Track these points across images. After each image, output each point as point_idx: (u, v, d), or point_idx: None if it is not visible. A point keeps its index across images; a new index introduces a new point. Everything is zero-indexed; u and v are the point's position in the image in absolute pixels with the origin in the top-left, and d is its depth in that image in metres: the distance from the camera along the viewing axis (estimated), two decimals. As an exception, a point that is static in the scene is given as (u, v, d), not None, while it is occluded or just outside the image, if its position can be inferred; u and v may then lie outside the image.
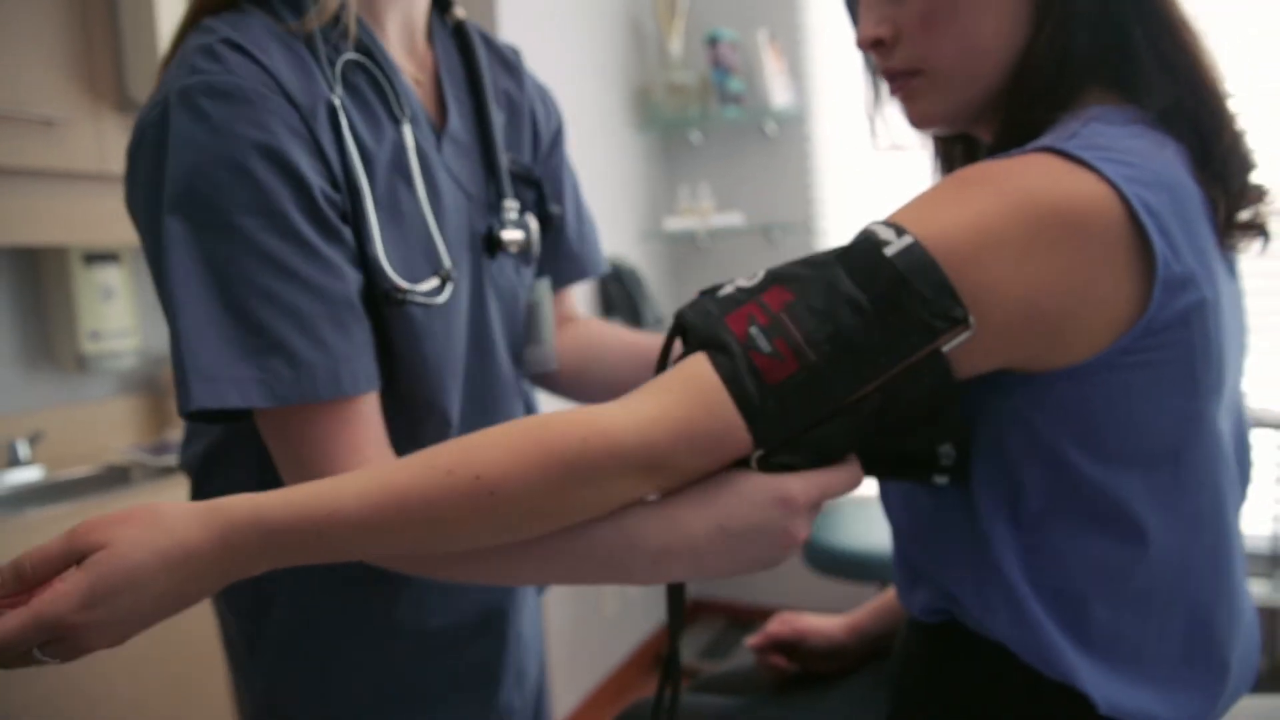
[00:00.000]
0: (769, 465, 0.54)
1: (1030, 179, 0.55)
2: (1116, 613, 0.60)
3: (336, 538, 0.52)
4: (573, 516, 0.55)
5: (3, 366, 1.72)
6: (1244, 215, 0.62)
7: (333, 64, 0.70)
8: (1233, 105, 0.64)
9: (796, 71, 2.73)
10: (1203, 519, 0.61)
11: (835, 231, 2.77)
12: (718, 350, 0.53)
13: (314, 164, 0.65)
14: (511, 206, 0.82)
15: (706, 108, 2.76)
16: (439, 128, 0.79)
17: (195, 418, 0.63)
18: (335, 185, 0.67)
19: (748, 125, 2.81)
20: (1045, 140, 0.58)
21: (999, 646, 0.63)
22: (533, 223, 0.84)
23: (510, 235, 0.81)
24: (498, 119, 0.84)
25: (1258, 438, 2.23)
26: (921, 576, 0.70)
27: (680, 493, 0.55)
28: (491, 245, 0.81)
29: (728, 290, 0.56)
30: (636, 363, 0.89)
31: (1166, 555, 0.60)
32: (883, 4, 0.66)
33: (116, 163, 1.59)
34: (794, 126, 2.77)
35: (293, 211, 0.63)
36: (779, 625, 0.91)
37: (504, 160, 0.83)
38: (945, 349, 0.52)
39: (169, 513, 0.51)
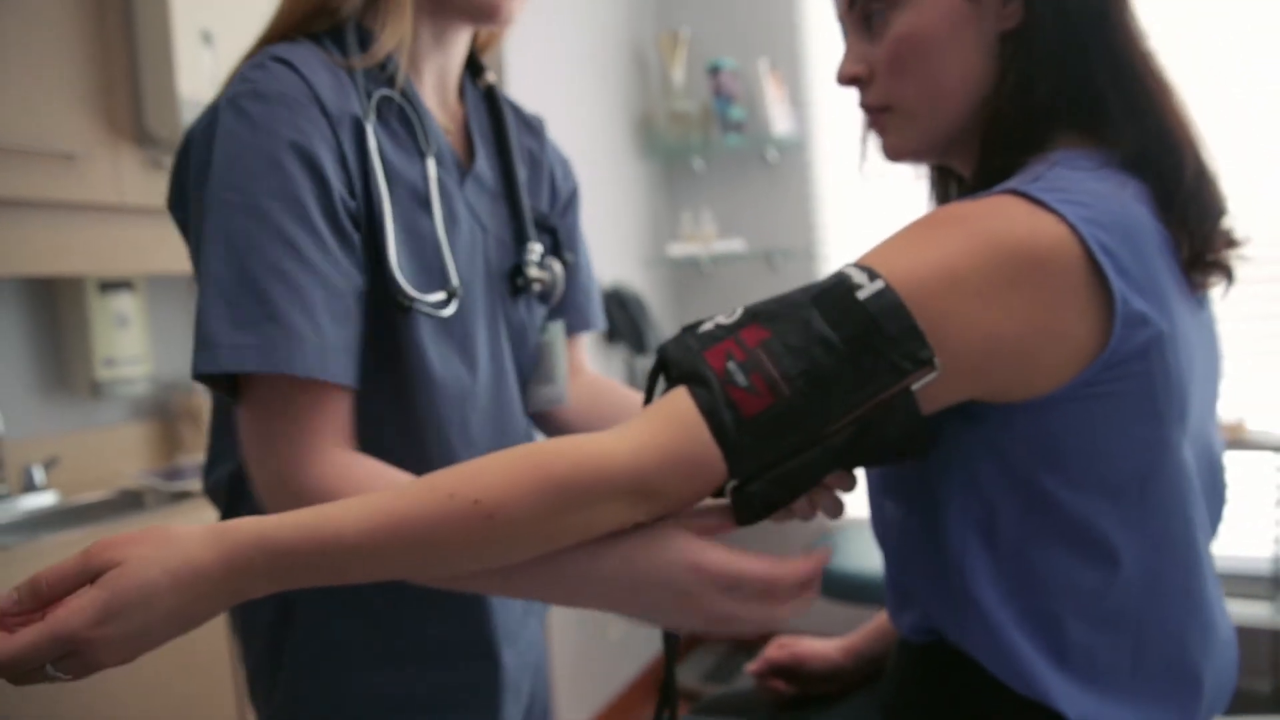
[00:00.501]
0: (742, 494, 0.57)
1: (994, 221, 0.58)
2: (1090, 632, 0.63)
3: (340, 560, 0.54)
4: (566, 540, 0.57)
5: (19, 393, 1.76)
6: (1214, 256, 0.65)
7: (369, 95, 0.77)
8: (1200, 150, 0.67)
9: (797, 99, 2.77)
10: (1171, 542, 0.63)
11: (836, 257, 2.80)
12: (698, 384, 0.56)
13: (337, 170, 0.72)
14: (535, 249, 0.89)
15: (708, 135, 2.80)
16: (465, 168, 0.86)
17: (206, 382, 0.67)
18: (353, 194, 0.73)
19: (749, 152, 2.85)
20: (1011, 183, 0.61)
21: (983, 666, 0.65)
22: (556, 265, 0.91)
23: (535, 274, 0.88)
24: (521, 171, 0.91)
25: (1257, 460, 2.25)
26: (908, 598, 0.72)
27: (618, 532, 0.58)
28: (516, 284, 0.87)
29: (708, 327, 0.58)
30: None
31: (1137, 577, 0.62)
32: (860, 44, 0.71)
33: (133, 194, 1.63)
34: (795, 154, 2.82)
35: (312, 205, 0.69)
36: (777, 650, 0.93)
37: (527, 206, 0.90)
38: (914, 387, 0.55)
39: (179, 534, 0.53)
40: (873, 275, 0.56)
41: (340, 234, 0.71)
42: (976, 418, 0.62)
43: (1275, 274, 2.31)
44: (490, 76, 0.93)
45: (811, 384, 0.55)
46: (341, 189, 0.72)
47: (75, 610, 0.49)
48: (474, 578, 0.60)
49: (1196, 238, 0.63)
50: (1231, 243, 0.68)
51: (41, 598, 0.50)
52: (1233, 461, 2.43)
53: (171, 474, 1.82)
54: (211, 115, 0.73)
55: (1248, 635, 2.33)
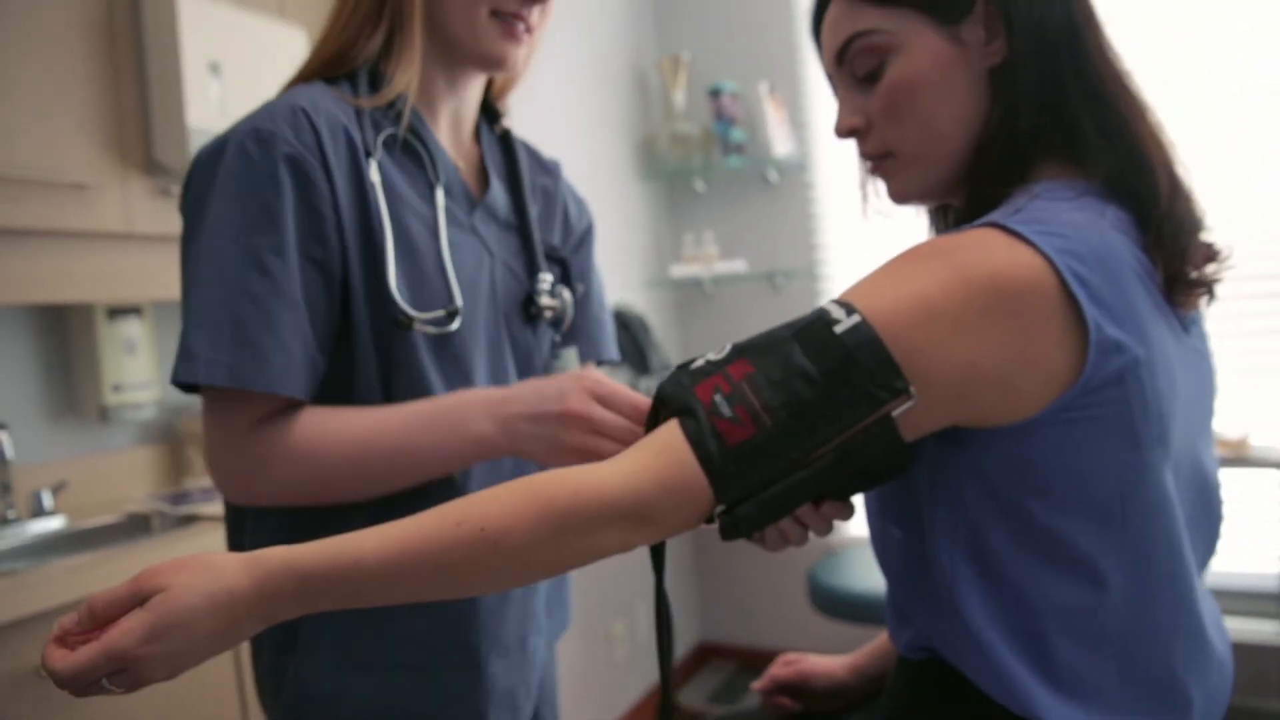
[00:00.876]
0: (730, 517, 0.59)
1: (972, 254, 0.60)
2: (1078, 650, 0.64)
3: (359, 583, 0.57)
4: (568, 565, 0.60)
5: (29, 418, 1.78)
6: (1195, 274, 0.67)
7: (378, 131, 0.84)
8: (1176, 171, 0.69)
9: (797, 122, 2.80)
10: (1155, 561, 0.64)
11: (838, 277, 2.82)
12: (687, 416, 0.59)
13: (328, 205, 0.79)
14: (546, 278, 0.94)
15: (710, 157, 2.83)
16: (476, 199, 0.92)
17: (184, 389, 0.78)
18: (342, 225, 0.80)
19: (750, 174, 2.88)
20: (993, 216, 0.64)
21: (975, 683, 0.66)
22: (566, 293, 0.96)
23: (546, 302, 0.93)
24: (533, 206, 0.97)
25: (1261, 477, 2.24)
26: (905, 617, 0.74)
27: None
28: (530, 311, 0.93)
29: (699, 364, 0.62)
30: None
31: (1122, 596, 0.63)
32: (855, 96, 0.74)
33: (143, 223, 1.66)
34: (795, 175, 2.84)
35: (292, 239, 0.77)
36: (783, 667, 0.94)
37: (539, 238, 0.96)
38: (894, 414, 0.58)
39: (218, 562, 0.57)
40: (850, 310, 0.59)
41: (322, 267, 0.79)
42: (961, 442, 0.63)
43: (1275, 290, 2.32)
44: (506, 123, 1.00)
45: (792, 414, 0.57)
46: (331, 222, 0.79)
47: (125, 630, 0.54)
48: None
49: (1174, 256, 0.65)
50: (1211, 257, 0.70)
51: (97, 619, 0.55)
52: (1237, 478, 2.44)
53: (178, 498, 1.83)
54: (217, 145, 0.80)
55: (1256, 653, 2.32)
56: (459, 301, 0.84)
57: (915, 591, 0.71)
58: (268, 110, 0.80)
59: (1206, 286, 0.69)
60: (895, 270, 0.62)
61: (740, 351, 0.60)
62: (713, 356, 0.61)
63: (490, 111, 1.00)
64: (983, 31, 0.69)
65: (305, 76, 0.87)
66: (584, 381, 0.71)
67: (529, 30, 0.87)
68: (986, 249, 0.60)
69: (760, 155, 2.77)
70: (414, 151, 0.87)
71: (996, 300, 0.58)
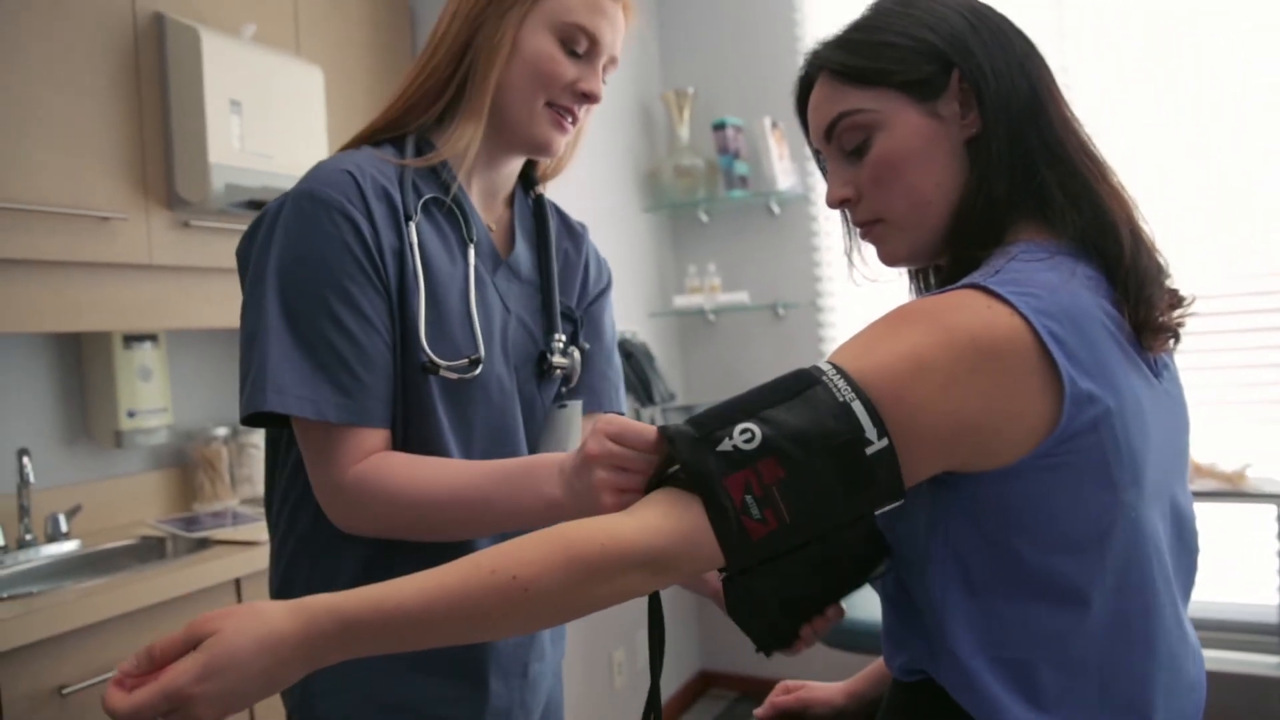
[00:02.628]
0: (733, 580, 0.66)
1: (956, 315, 0.65)
2: (1060, 676, 0.68)
3: (400, 628, 0.61)
4: (594, 608, 0.64)
5: (46, 443, 1.82)
6: (1161, 319, 0.71)
7: (419, 193, 0.93)
8: (1137, 224, 0.74)
9: (799, 155, 2.85)
10: (1130, 593, 0.68)
11: (840, 308, 2.86)
12: (715, 507, 0.63)
13: (374, 255, 0.88)
14: (560, 339, 1.01)
15: (713, 190, 2.88)
16: (501, 258, 1.00)
17: (251, 421, 0.85)
18: (385, 273, 0.88)
19: (753, 206, 2.93)
20: (974, 277, 0.69)
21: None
22: (576, 353, 1.03)
23: (558, 360, 1.00)
24: (556, 269, 1.05)
25: (1259, 511, 2.27)
26: (899, 643, 0.78)
27: None
28: (543, 368, 1.00)
29: (725, 447, 0.63)
30: None
31: (1100, 625, 0.68)
32: (843, 170, 0.80)
33: (163, 255, 1.71)
34: (798, 207, 2.89)
35: (351, 286, 0.86)
36: (782, 694, 0.97)
37: (558, 300, 1.03)
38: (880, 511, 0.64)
39: (267, 609, 0.61)
40: (882, 432, 0.62)
41: (374, 306, 0.87)
42: (950, 485, 0.68)
43: (1273, 324, 2.36)
44: (540, 189, 1.08)
45: (810, 526, 0.63)
46: (377, 269, 0.87)
47: (180, 671, 0.58)
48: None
49: (1141, 304, 0.70)
50: (1176, 304, 0.75)
51: (155, 662, 0.59)
52: (1234, 511, 2.46)
53: (190, 522, 1.86)
54: (278, 203, 0.90)
55: (1256, 685, 2.33)
56: (482, 351, 0.92)
57: (908, 619, 0.75)
58: (317, 173, 0.89)
59: (1172, 330, 0.73)
60: (885, 331, 0.67)
61: (772, 451, 0.63)
62: (741, 443, 0.63)
63: (528, 179, 1.08)
64: (958, 106, 0.75)
65: (359, 139, 0.97)
66: (597, 424, 0.75)
67: (575, 122, 0.97)
68: (969, 309, 0.65)
69: (763, 188, 2.82)
70: (451, 212, 0.96)
71: (980, 358, 0.63)
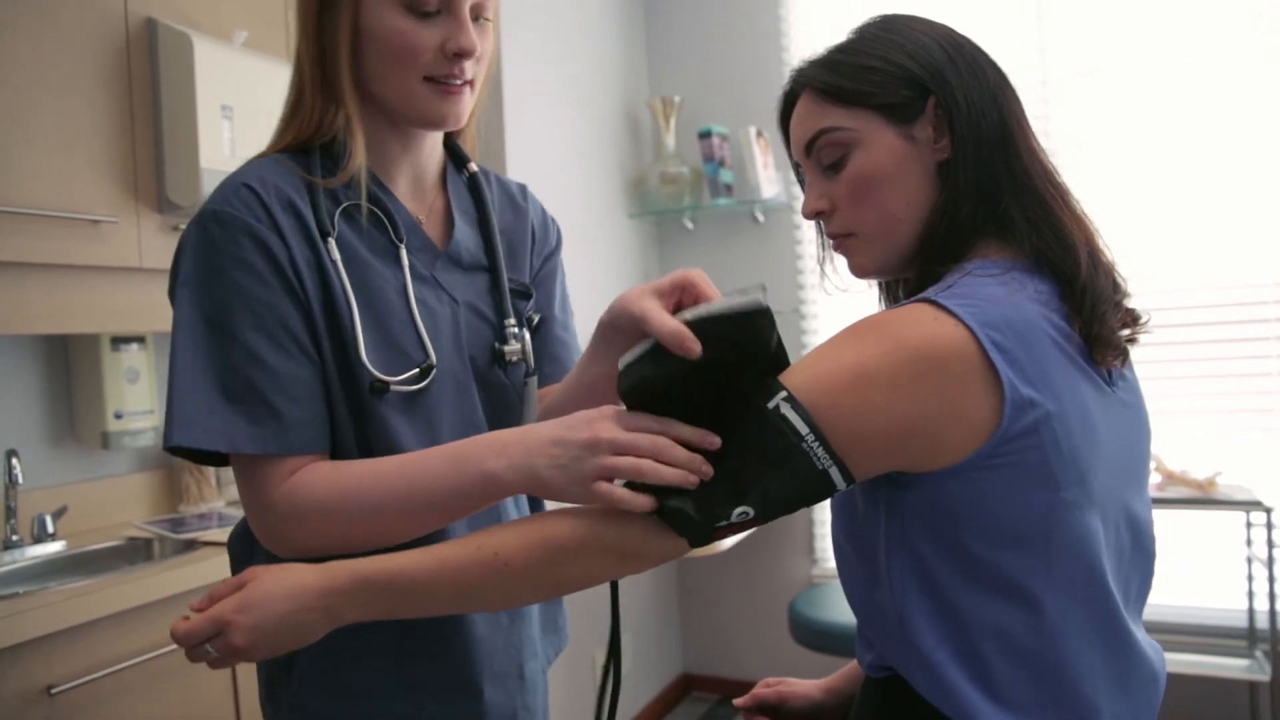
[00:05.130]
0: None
1: (903, 327, 0.70)
2: (1014, 667, 0.72)
3: (403, 589, 0.73)
4: (569, 587, 0.75)
5: (34, 444, 1.82)
6: (1113, 336, 0.75)
7: (336, 203, 0.88)
8: (1094, 246, 0.78)
9: (783, 164, 2.89)
10: (1077, 588, 0.72)
11: (823, 315, 2.90)
12: (699, 541, 0.73)
13: (291, 277, 0.83)
14: (511, 324, 0.96)
15: (699, 198, 2.92)
16: (441, 249, 0.95)
17: (177, 453, 0.82)
18: (306, 296, 0.84)
19: (738, 214, 2.96)
20: (927, 292, 0.74)
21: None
22: (526, 335, 0.98)
23: (510, 348, 0.96)
24: (501, 249, 1.00)
25: (1230, 518, 2.31)
26: (867, 638, 0.82)
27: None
28: (497, 357, 0.96)
29: (722, 523, 0.72)
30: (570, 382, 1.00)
31: (1051, 619, 0.72)
32: (821, 183, 0.84)
33: (153, 258, 1.72)
34: (782, 215, 2.93)
35: (263, 310, 0.82)
36: (763, 688, 1.00)
37: (506, 282, 0.98)
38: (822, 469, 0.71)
39: (299, 565, 0.75)
40: (843, 471, 0.70)
41: (290, 328, 0.83)
42: (904, 485, 0.73)
43: (1244, 334, 2.41)
44: (472, 166, 1.02)
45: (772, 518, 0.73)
46: (291, 287, 0.83)
47: (224, 603, 0.73)
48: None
49: (1093, 320, 0.74)
50: (1129, 322, 0.79)
51: (213, 599, 0.75)
52: (1205, 519, 2.51)
53: (177, 524, 1.87)
54: (188, 230, 0.85)
55: (1227, 688, 2.38)
56: (433, 359, 0.88)
57: (874, 616, 0.79)
58: (220, 190, 0.85)
59: (1121, 348, 0.78)
60: (837, 344, 0.73)
61: (760, 516, 0.72)
62: (736, 519, 0.72)
63: (458, 156, 1.02)
64: (932, 131, 0.79)
65: (271, 150, 0.91)
66: (605, 411, 0.75)
67: (467, 84, 0.88)
68: (916, 321, 0.70)
69: (748, 196, 2.86)
70: (375, 216, 0.90)
71: (924, 366, 0.68)
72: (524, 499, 1.03)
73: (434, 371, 0.88)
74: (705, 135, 2.85)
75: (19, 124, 1.52)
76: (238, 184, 0.84)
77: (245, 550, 0.94)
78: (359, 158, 0.87)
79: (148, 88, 1.72)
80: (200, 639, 0.72)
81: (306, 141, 0.90)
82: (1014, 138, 0.79)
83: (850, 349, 0.71)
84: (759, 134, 2.81)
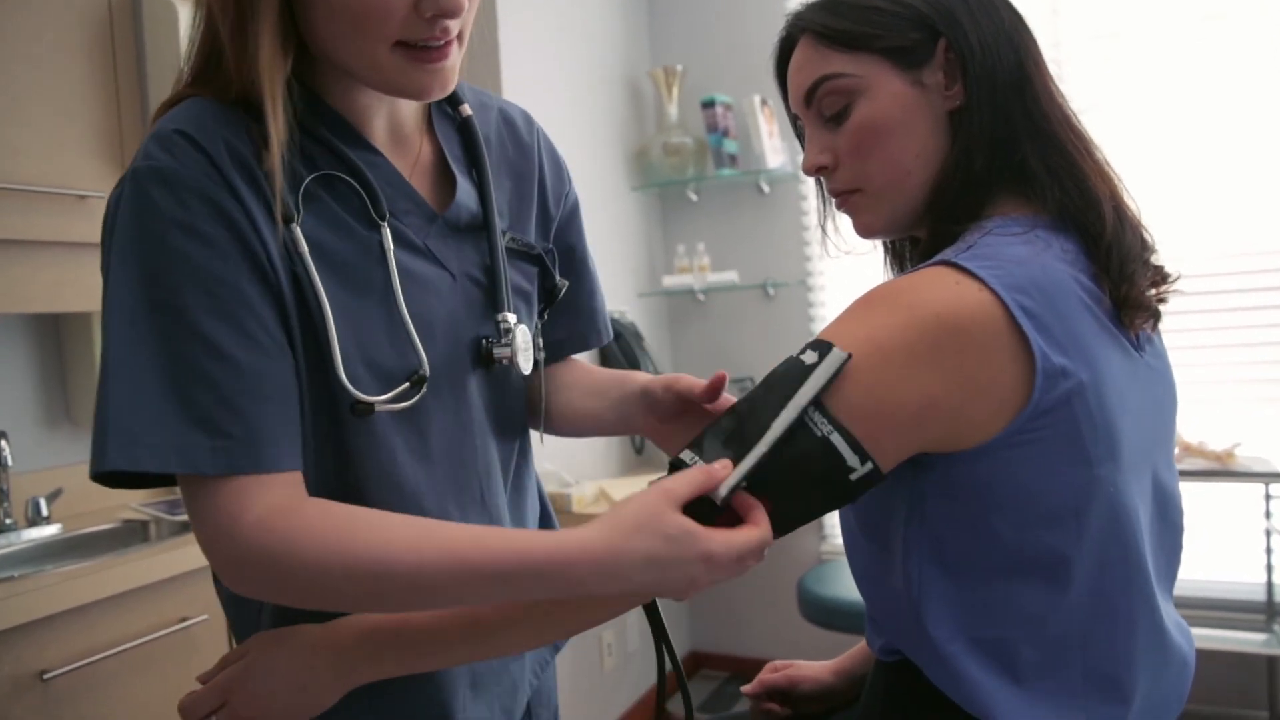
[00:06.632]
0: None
1: (921, 293, 0.65)
2: (1041, 652, 0.67)
3: (413, 638, 0.68)
4: (593, 620, 0.71)
5: (26, 426, 1.79)
6: (1143, 296, 0.70)
7: (299, 177, 0.70)
8: (1122, 202, 0.73)
9: (788, 133, 2.83)
10: (1110, 569, 0.67)
11: (830, 287, 2.85)
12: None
13: (252, 251, 0.67)
14: (506, 321, 0.81)
15: (702, 169, 2.86)
16: (441, 209, 0.80)
17: (104, 480, 0.66)
18: (272, 283, 0.68)
19: (743, 185, 2.91)
20: (945, 253, 0.68)
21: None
22: (518, 334, 0.81)
23: (500, 352, 0.80)
24: (502, 205, 0.86)
25: (1248, 490, 2.27)
26: (878, 622, 0.77)
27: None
28: (485, 356, 0.80)
29: (723, 491, 0.64)
30: (594, 395, 0.95)
31: (1080, 601, 0.67)
32: (822, 135, 0.78)
33: (141, 232, 1.68)
34: (788, 185, 2.87)
35: (225, 288, 0.65)
36: (771, 672, 0.96)
37: (505, 269, 0.82)
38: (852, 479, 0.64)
39: (305, 625, 0.70)
40: (864, 458, 0.63)
41: (258, 315, 0.66)
42: (926, 465, 0.67)
43: (1264, 302, 2.36)
44: (466, 109, 0.84)
45: (789, 524, 0.67)
46: (258, 263, 0.67)
47: (228, 670, 0.70)
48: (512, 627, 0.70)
49: (1121, 281, 0.68)
50: (1159, 281, 0.73)
51: (221, 667, 0.71)
52: (1223, 490, 2.47)
53: (173, 505, 1.85)
54: (120, 190, 0.67)
55: (1244, 662, 2.34)
56: (425, 368, 0.73)
57: (886, 603, 0.74)
58: (155, 142, 0.67)
59: (1153, 309, 0.72)
60: (849, 317, 0.67)
61: (764, 486, 0.64)
62: (737, 477, 0.63)
63: (450, 98, 0.84)
64: (942, 77, 0.74)
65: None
66: (711, 562, 0.63)
67: (450, 42, 0.70)
68: (934, 287, 0.64)
69: (753, 167, 2.80)
70: (348, 185, 0.74)
71: (944, 335, 0.62)
72: (521, 497, 0.91)
73: (425, 384, 0.73)
74: (708, 105, 2.79)
75: (1, 98, 1.48)
76: (169, 132, 0.66)
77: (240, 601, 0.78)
78: (277, 138, 0.66)
79: (132, 59, 1.68)
80: (205, 711, 0.69)
81: (231, 99, 0.70)
82: (1032, 81, 0.73)
83: (863, 321, 0.66)
84: (763, 102, 2.75)
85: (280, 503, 0.64)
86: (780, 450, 0.63)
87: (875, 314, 0.65)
